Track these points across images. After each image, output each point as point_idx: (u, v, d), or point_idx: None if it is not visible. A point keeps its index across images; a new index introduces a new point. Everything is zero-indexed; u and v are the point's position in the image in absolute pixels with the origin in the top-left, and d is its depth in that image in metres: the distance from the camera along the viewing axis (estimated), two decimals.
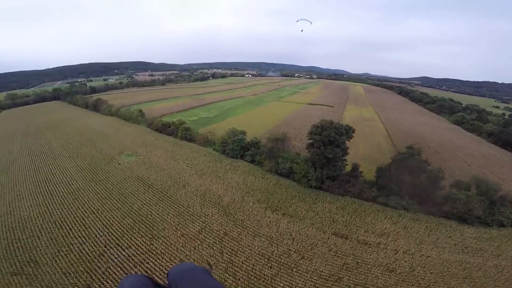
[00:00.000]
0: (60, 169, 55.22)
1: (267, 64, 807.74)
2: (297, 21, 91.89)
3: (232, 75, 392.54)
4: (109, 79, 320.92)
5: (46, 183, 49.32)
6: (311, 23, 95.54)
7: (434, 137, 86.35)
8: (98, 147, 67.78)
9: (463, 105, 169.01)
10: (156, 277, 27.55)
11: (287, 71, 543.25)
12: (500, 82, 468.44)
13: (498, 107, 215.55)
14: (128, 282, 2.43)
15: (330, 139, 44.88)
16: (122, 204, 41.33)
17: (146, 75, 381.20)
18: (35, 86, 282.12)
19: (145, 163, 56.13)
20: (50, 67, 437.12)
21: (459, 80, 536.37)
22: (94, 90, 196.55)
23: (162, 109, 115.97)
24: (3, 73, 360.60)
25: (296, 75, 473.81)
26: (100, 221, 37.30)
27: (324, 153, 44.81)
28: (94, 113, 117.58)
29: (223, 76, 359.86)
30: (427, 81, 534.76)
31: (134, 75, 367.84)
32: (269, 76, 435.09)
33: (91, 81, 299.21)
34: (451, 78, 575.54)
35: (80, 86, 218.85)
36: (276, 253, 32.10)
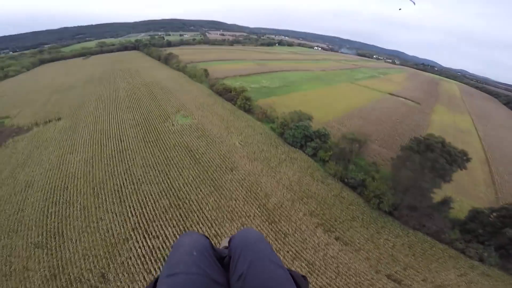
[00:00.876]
0: (117, 121, 55.51)
1: (341, 40, 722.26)
2: None
3: (299, 44, 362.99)
4: (185, 34, 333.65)
5: (101, 134, 49.66)
6: (414, 3, 78.90)
7: None
8: (157, 102, 66.89)
9: None
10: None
11: (365, 51, 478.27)
12: None
13: None
14: (188, 239, 2.37)
15: (435, 165, 31.86)
16: (163, 177, 37.71)
17: (217, 34, 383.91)
18: (122, 36, 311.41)
19: (198, 130, 51.97)
20: (138, 21, 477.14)
21: None
22: (169, 44, 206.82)
23: (226, 70, 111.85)
24: (100, 23, 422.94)
25: (374, 56, 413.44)
26: (137, 195, 34.16)
27: (418, 180, 32.45)
28: (164, 65, 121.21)
29: (290, 44, 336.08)
30: None
31: (207, 33, 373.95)
32: (341, 52, 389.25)
33: (169, 35, 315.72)
34: None
35: (159, 39, 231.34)
36: (312, 286, 25.18)
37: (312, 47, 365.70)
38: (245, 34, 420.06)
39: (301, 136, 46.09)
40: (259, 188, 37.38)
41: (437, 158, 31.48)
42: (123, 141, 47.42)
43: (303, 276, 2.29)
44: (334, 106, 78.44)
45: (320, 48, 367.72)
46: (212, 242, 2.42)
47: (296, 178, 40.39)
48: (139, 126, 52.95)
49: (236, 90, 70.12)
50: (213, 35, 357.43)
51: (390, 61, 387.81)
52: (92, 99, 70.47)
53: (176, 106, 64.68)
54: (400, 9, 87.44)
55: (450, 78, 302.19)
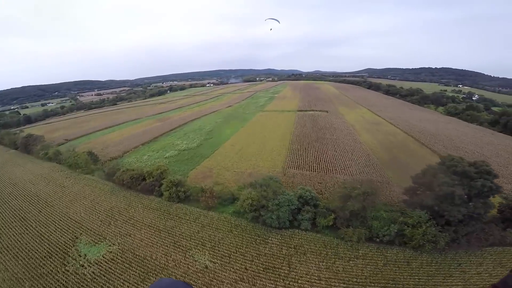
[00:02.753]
0: None
1: (226, 71, 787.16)
2: (265, 20, 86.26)
3: (191, 86, 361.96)
4: (49, 103, 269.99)
5: None
6: (279, 22, 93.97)
7: (462, 138, 72.90)
8: (34, 230, 39.60)
9: (444, 94, 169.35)
10: None
11: (248, 76, 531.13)
12: (434, 67, 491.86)
13: (445, 91, 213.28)
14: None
15: (481, 190, 27.98)
16: None
17: (92, 95, 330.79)
18: None
19: (130, 263, 30.81)
20: None
21: (400, 68, 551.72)
22: (29, 120, 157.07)
23: (121, 141, 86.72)
24: None
25: (257, 78, 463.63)
26: None
27: (469, 209, 28.34)
28: (25, 156, 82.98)
29: (182, 88, 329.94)
30: (372, 72, 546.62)
31: (78, 96, 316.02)
32: (231, 83, 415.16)
33: (27, 107, 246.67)
34: (392, 67, 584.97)
35: (12, 115, 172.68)
36: None
37: (204, 85, 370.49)
38: (127, 88, 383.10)
39: (288, 214, 33.70)
40: None
41: (484, 183, 29.14)
42: None
43: None
44: (271, 147, 69.79)
45: (212, 84, 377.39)
46: None
47: (327, 272, 28.36)
48: (25, 282, 27.14)
49: (152, 176, 48.17)
50: (87, 97, 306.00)
51: (270, 79, 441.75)
52: None
53: (69, 228, 39.73)
54: (271, 29, 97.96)
55: (318, 80, 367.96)
